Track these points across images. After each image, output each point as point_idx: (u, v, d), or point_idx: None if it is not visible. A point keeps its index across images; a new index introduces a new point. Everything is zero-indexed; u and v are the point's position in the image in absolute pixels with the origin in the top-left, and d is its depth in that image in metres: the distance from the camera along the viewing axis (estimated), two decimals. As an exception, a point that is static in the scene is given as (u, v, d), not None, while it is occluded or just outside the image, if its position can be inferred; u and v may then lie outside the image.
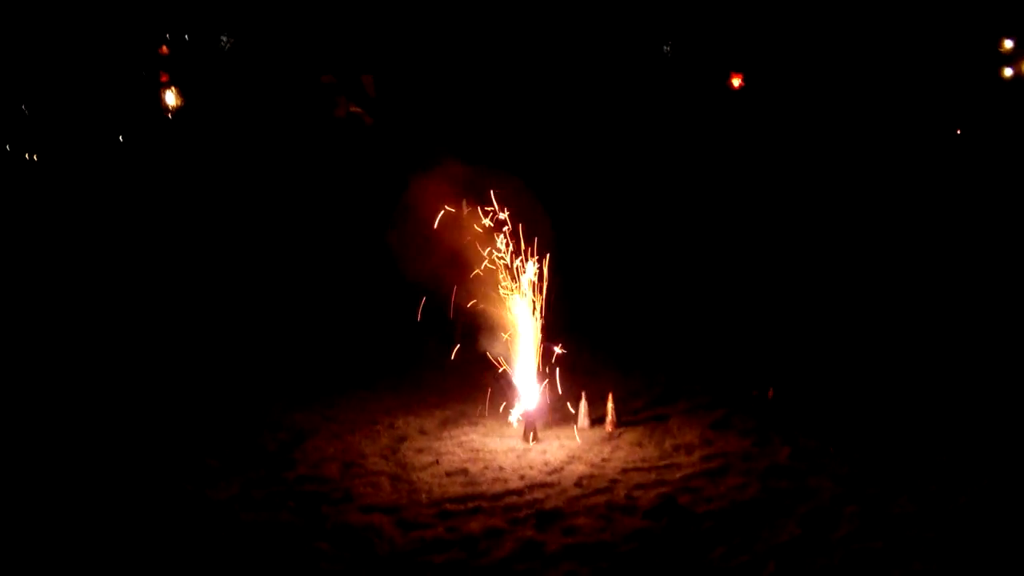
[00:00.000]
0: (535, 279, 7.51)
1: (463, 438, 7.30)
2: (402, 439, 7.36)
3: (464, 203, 7.58)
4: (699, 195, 16.66)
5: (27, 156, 17.80)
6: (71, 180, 16.85)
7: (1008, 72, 25.14)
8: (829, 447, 6.72)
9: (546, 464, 6.73)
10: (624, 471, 6.56)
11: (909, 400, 7.63)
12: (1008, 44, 24.81)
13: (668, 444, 7.07)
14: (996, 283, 10.96)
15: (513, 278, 7.46)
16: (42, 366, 9.26)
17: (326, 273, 12.50)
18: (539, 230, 7.52)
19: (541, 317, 7.54)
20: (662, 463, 6.69)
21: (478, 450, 7.03)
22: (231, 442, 7.28)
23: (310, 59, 18.85)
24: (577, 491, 6.23)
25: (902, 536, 5.33)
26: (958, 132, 20.59)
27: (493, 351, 7.51)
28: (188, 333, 10.46)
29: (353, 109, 20.04)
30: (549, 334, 7.59)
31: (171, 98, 19.49)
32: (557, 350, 7.47)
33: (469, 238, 7.44)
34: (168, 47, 19.38)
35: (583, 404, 7.50)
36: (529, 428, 7.22)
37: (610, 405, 7.45)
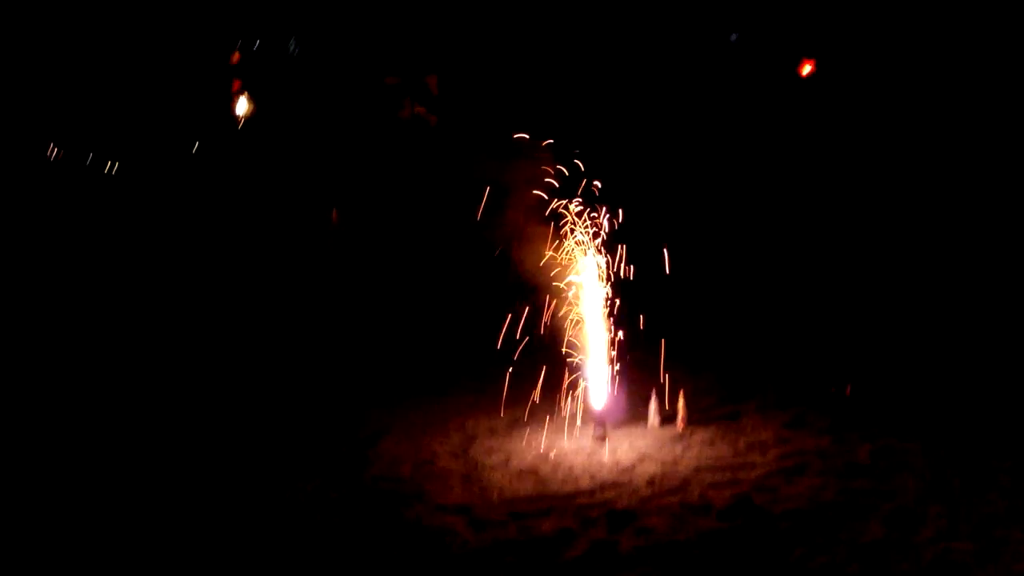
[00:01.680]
0: (611, 273, 7.42)
1: (532, 438, 7.27)
2: (472, 439, 7.36)
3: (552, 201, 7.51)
4: (769, 191, 16.38)
5: (107, 167, 18.26)
6: (150, 190, 17.23)
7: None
8: (912, 444, 6.51)
9: (617, 464, 6.66)
10: (697, 470, 6.46)
11: (990, 392, 7.39)
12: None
13: (741, 443, 6.94)
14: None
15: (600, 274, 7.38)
16: (132, 363, 9.48)
17: (406, 275, 12.58)
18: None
19: (613, 317, 7.45)
20: (736, 462, 6.56)
21: (548, 449, 6.99)
22: (310, 444, 7.36)
23: (375, 61, 19.04)
24: (649, 491, 6.15)
25: (991, 536, 5.15)
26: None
27: (566, 349, 7.43)
28: (271, 336, 10.61)
29: (418, 110, 20.19)
30: (625, 336, 7.49)
31: (243, 106, 19.84)
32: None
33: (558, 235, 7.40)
34: (239, 55, 19.74)
35: (653, 402, 7.41)
36: (599, 427, 7.15)
37: (681, 403, 7.35)
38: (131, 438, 7.52)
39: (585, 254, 7.39)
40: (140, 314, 11.30)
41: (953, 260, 11.84)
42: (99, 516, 6.12)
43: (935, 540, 5.18)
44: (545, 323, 7.49)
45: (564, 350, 7.46)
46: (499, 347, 7.39)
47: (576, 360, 7.46)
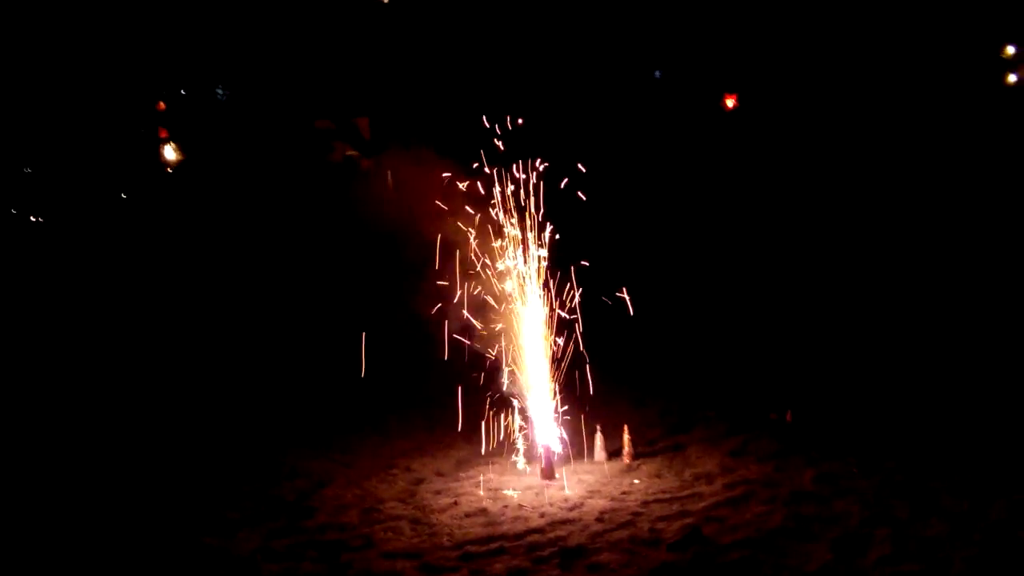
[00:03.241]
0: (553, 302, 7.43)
1: (480, 478, 7.23)
2: (419, 481, 7.29)
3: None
4: (699, 216, 16.69)
5: (32, 218, 17.90)
6: (76, 239, 16.92)
7: (1012, 78, 25.23)
8: (852, 468, 6.63)
9: (566, 500, 6.65)
10: (645, 503, 6.48)
11: (930, 416, 7.55)
12: (1010, 50, 24.92)
13: (688, 474, 6.99)
14: (1008, 292, 10.88)
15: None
16: (44, 411, 9.24)
17: (326, 314, 12.51)
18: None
19: (555, 348, 7.46)
20: (683, 493, 6.60)
21: (496, 489, 6.96)
22: (248, 492, 7.22)
23: (304, 105, 18.99)
24: (599, 526, 6.14)
25: (935, 559, 5.24)
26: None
27: (508, 389, 7.44)
28: (192, 375, 10.47)
29: (349, 152, 20.16)
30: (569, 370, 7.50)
31: (170, 153, 19.62)
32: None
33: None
34: (165, 103, 19.54)
35: (599, 437, 7.43)
36: (546, 464, 7.15)
37: (626, 437, 7.38)
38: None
39: (523, 282, 7.39)
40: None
41: (884, 281, 12.16)
42: None
43: (881, 564, 5.26)
44: (488, 353, 7.46)
45: (506, 385, 7.45)
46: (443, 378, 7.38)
47: (520, 396, 7.47)
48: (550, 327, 7.46)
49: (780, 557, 5.46)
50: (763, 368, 9.40)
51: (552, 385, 7.48)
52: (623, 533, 6.00)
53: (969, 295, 10.97)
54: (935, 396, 8.00)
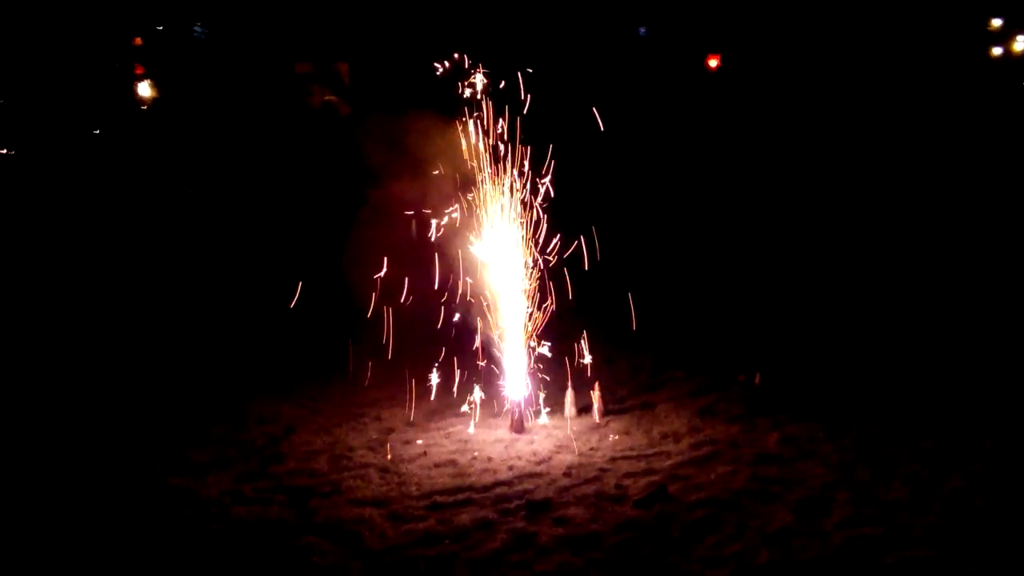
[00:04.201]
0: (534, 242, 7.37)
1: (450, 429, 7.27)
2: (389, 431, 7.32)
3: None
4: (680, 178, 16.70)
5: (2, 151, 17.60)
6: (47, 174, 16.65)
7: (996, 51, 25.26)
8: (819, 432, 6.73)
9: (534, 454, 6.71)
10: (613, 460, 6.55)
11: (897, 383, 7.66)
12: (996, 23, 24.94)
13: (656, 432, 7.06)
14: (987, 271, 10.99)
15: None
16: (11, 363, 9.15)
17: (304, 260, 12.42)
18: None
19: (533, 304, 7.44)
20: (651, 451, 6.68)
21: (466, 441, 7.00)
22: (217, 436, 7.22)
23: (284, 48, 18.72)
24: (566, 481, 6.21)
25: (895, 522, 5.35)
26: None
27: (482, 334, 7.42)
28: (168, 325, 10.38)
29: (328, 98, 19.90)
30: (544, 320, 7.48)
31: (145, 90, 19.30)
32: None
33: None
34: (142, 39, 19.19)
35: (569, 393, 7.47)
36: (517, 418, 7.19)
37: (596, 394, 7.42)
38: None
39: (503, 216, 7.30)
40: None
41: (861, 250, 12.25)
42: None
43: (842, 526, 5.36)
44: (460, 296, 7.42)
45: (479, 336, 7.43)
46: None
47: (493, 348, 7.48)
48: (528, 279, 7.42)
49: (743, 517, 5.56)
50: (734, 329, 9.48)
51: (527, 336, 7.47)
52: (589, 488, 6.07)
53: (948, 272, 11.09)
54: (905, 365, 8.11)
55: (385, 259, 7.59)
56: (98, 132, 18.51)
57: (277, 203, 14.59)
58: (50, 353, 9.37)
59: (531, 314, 7.45)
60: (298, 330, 9.80)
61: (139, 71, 18.85)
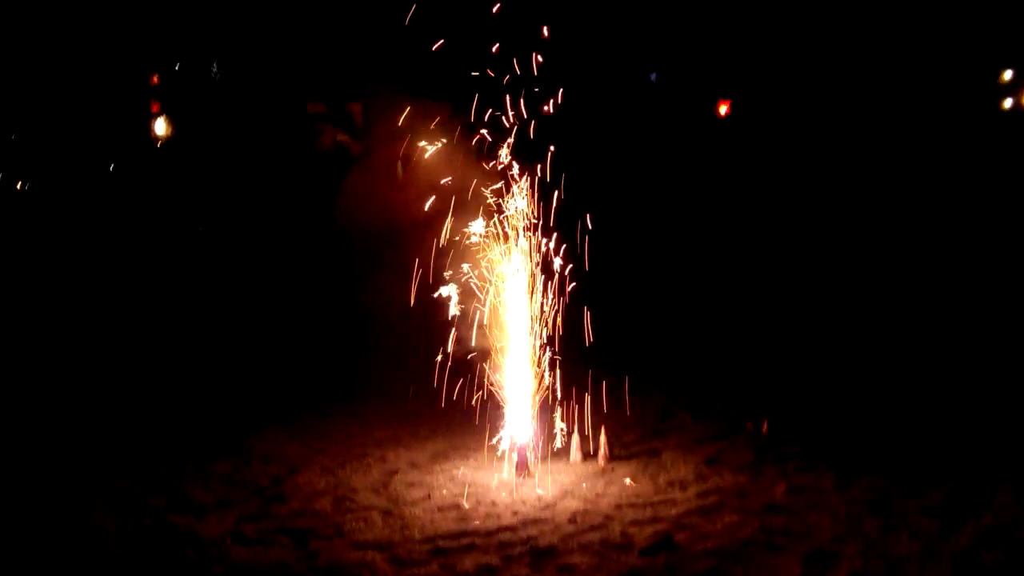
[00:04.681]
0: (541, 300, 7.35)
1: (454, 472, 7.22)
2: (393, 472, 7.27)
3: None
4: (689, 219, 16.74)
5: (18, 186, 17.75)
6: (62, 209, 16.82)
7: (1008, 103, 25.34)
8: (827, 482, 6.63)
9: (539, 499, 6.65)
10: (618, 507, 6.47)
11: (907, 431, 7.59)
12: (1007, 75, 25.04)
13: (662, 479, 6.99)
14: (992, 305, 10.96)
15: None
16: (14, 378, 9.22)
17: (307, 295, 12.50)
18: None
19: (542, 341, 7.38)
20: (657, 499, 6.60)
21: (470, 484, 6.94)
22: (219, 474, 7.18)
23: (298, 88, 18.88)
24: (571, 528, 6.14)
25: (905, 576, 5.27)
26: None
27: (489, 376, 7.36)
28: (175, 353, 10.45)
29: (341, 138, 20.04)
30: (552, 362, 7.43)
31: (161, 127, 19.48)
32: None
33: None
34: (159, 77, 19.40)
35: (575, 437, 7.42)
36: (521, 462, 7.14)
37: (603, 439, 7.38)
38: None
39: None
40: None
41: (870, 294, 12.24)
42: None
43: (851, 579, 5.28)
44: (471, 335, 7.37)
45: (487, 378, 7.38)
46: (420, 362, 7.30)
47: (499, 390, 7.41)
48: (537, 319, 7.38)
49: (750, 568, 5.47)
50: (743, 374, 9.43)
51: (535, 378, 7.41)
52: (595, 535, 5.99)
53: (952, 306, 11.06)
54: (914, 413, 8.04)
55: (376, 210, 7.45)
56: (113, 168, 18.67)
57: (286, 237, 14.69)
58: (58, 382, 9.40)
59: (539, 359, 7.41)
60: (303, 359, 9.87)
61: (155, 108, 19.07)
